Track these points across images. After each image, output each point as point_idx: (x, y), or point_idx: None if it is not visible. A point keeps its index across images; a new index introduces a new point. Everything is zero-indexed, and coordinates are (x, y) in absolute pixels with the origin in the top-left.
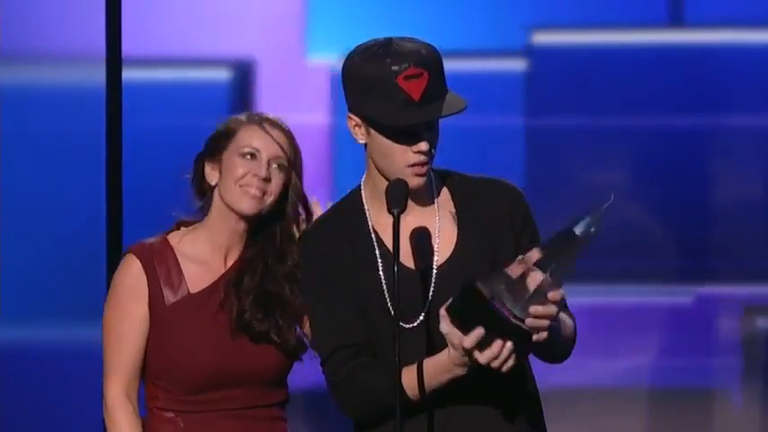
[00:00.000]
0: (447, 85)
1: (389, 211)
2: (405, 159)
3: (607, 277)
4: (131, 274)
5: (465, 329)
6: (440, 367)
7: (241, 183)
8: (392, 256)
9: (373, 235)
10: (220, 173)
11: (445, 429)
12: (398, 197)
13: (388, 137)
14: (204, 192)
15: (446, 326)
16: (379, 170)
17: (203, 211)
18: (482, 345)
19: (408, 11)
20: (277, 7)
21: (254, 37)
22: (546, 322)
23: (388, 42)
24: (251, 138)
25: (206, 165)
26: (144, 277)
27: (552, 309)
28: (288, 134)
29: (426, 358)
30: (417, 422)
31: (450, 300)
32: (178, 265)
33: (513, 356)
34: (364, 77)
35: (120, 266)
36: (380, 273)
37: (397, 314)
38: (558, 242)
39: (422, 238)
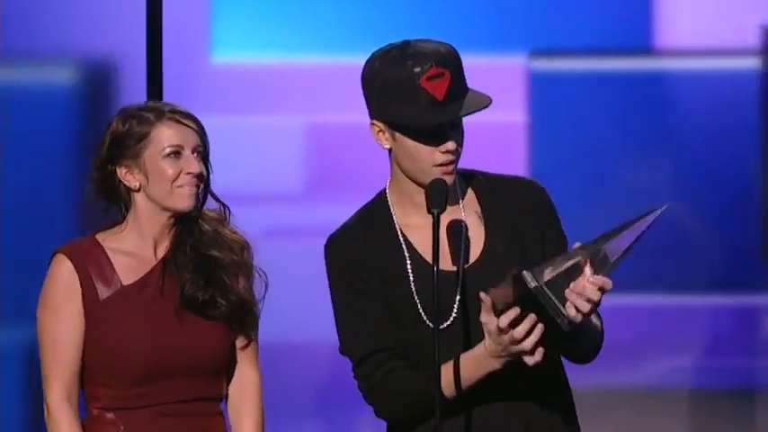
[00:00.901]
0: (467, 84)
1: (429, 211)
2: (432, 159)
3: None
4: (63, 274)
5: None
6: (476, 361)
7: (177, 184)
8: (421, 258)
9: (401, 237)
10: (146, 177)
11: (481, 429)
12: (438, 197)
13: (414, 139)
14: (117, 196)
15: (485, 315)
16: (405, 173)
17: (121, 212)
18: (515, 323)
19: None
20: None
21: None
22: (586, 305)
23: (405, 45)
24: (170, 136)
25: (118, 169)
26: (75, 276)
27: (594, 290)
28: (196, 119)
29: (462, 354)
30: (453, 423)
31: (494, 288)
32: (108, 259)
33: (540, 333)
34: (386, 81)
35: (51, 267)
36: (410, 275)
37: (436, 316)
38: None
39: (450, 240)
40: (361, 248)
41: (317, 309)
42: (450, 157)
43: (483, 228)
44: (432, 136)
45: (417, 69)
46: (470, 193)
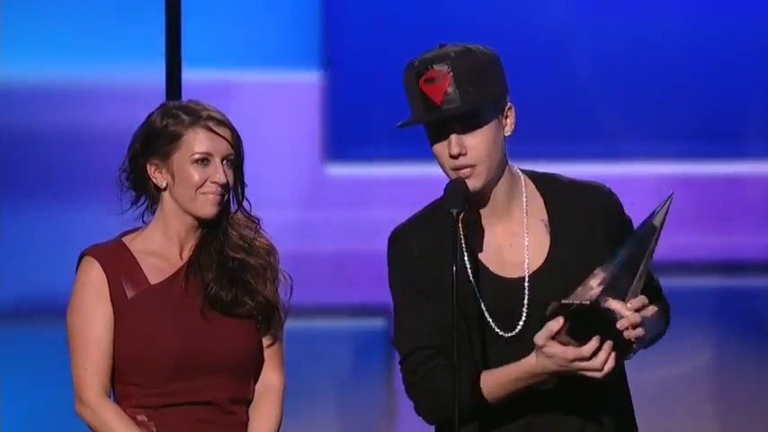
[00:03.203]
0: (488, 88)
1: (448, 211)
2: (448, 164)
3: None
4: (92, 275)
5: (574, 341)
6: (521, 374)
7: (201, 190)
8: (480, 263)
9: (463, 241)
10: (173, 178)
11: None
12: (455, 197)
13: (430, 143)
14: (146, 190)
15: (545, 339)
16: None
17: (148, 208)
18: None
19: None
20: None
21: None
22: (634, 332)
23: (427, 50)
24: (200, 143)
25: (148, 165)
26: (104, 276)
27: (635, 312)
28: (231, 127)
29: (512, 363)
30: (499, 428)
31: (559, 316)
32: (135, 260)
33: (610, 348)
34: (405, 86)
35: (80, 270)
36: (472, 281)
37: (455, 318)
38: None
39: (512, 247)
40: (423, 247)
41: None
42: (463, 162)
43: (548, 236)
44: (440, 140)
45: (416, 73)
46: (538, 199)
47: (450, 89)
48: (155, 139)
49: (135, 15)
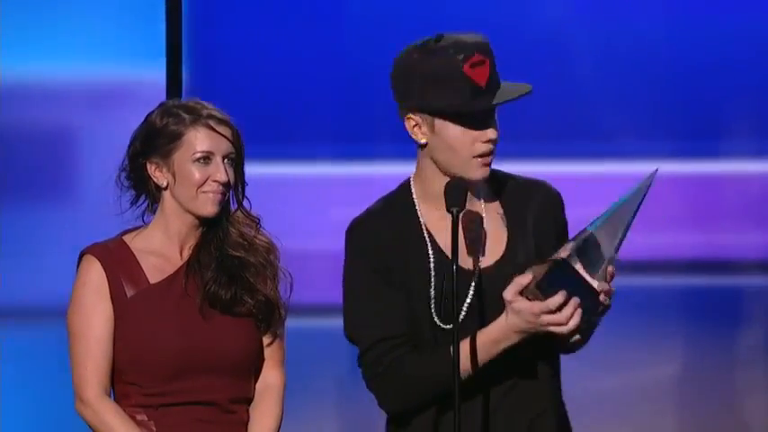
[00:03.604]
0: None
1: (448, 210)
2: (472, 150)
3: None
4: (93, 274)
5: (542, 296)
6: (495, 335)
7: (203, 189)
8: (444, 255)
9: (425, 233)
10: (173, 177)
11: (488, 417)
12: (457, 196)
13: (458, 127)
14: (146, 189)
15: (512, 294)
16: (442, 166)
17: (149, 207)
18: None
19: None
20: None
21: None
22: (609, 287)
23: (441, 36)
24: (202, 142)
25: (148, 164)
26: (104, 275)
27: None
28: (231, 125)
29: (478, 332)
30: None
31: (534, 274)
32: (135, 259)
33: (577, 304)
34: (428, 71)
35: (80, 269)
36: (432, 271)
37: (454, 314)
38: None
39: (472, 239)
40: (387, 235)
41: None
42: (491, 147)
43: (505, 229)
44: (474, 125)
45: (460, 57)
46: (491, 192)
47: (491, 75)
48: (155, 138)
49: (135, 15)
